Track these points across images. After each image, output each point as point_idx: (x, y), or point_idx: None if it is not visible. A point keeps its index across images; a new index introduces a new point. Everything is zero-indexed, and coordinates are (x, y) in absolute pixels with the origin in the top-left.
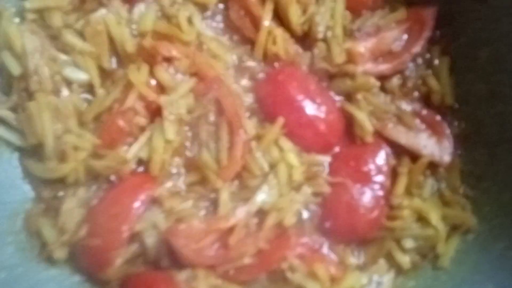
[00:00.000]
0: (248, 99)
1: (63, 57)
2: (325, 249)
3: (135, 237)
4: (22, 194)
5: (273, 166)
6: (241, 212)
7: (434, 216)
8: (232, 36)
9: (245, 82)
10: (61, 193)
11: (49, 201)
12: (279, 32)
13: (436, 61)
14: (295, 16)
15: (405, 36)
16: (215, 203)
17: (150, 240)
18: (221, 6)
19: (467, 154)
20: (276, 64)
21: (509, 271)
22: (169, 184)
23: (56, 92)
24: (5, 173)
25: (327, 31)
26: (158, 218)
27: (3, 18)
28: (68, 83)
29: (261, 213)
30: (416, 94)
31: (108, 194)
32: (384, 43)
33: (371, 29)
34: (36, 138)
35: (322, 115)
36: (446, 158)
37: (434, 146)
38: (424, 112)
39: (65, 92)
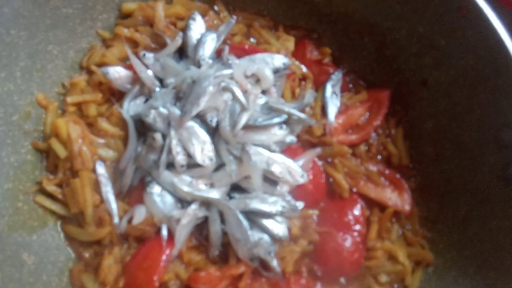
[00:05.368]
0: None
1: (98, 140)
2: None
3: (162, 286)
4: (66, 255)
5: None
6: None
7: (401, 254)
8: None
9: None
10: (98, 253)
11: (89, 260)
12: None
13: (393, 131)
14: (287, 98)
15: (368, 113)
16: (225, 254)
17: None
18: None
19: (423, 203)
20: None
21: None
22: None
23: (94, 169)
24: (52, 238)
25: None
26: (179, 269)
27: (50, 111)
28: (102, 160)
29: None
30: (379, 157)
31: (140, 251)
32: (352, 118)
33: (341, 108)
34: (78, 207)
35: (310, 177)
36: (407, 207)
37: (397, 198)
38: (387, 171)
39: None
